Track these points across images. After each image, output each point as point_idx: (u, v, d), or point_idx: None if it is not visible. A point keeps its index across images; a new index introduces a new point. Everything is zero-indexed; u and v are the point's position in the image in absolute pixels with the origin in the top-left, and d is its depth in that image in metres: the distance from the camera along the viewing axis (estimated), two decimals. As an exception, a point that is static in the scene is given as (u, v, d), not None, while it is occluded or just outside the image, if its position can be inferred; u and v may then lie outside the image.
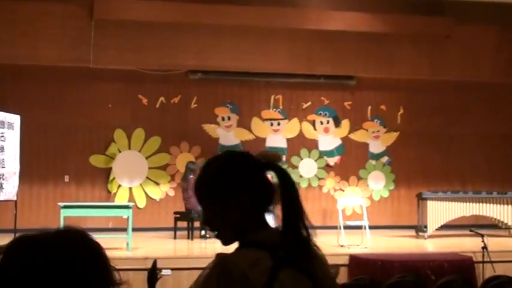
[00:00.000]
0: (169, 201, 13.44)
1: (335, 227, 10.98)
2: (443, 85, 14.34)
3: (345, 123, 14.49)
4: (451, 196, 11.87)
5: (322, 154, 14.36)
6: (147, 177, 13.54)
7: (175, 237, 11.61)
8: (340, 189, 14.31)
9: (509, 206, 11.86)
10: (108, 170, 13.33)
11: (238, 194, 1.96)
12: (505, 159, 14.59)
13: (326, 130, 14.43)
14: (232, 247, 1.97)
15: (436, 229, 11.73)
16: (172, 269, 7.61)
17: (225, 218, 1.97)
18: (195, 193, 2.04)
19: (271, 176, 2.00)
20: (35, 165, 12.75)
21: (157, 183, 13.59)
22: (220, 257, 1.87)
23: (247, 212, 1.96)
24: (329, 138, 14.42)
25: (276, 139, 14.21)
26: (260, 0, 12.61)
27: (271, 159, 1.99)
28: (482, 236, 8.49)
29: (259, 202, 1.97)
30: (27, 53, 11.95)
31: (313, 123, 14.40)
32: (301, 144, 14.29)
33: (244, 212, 1.96)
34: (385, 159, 14.58)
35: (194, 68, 13.34)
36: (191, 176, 11.73)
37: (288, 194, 1.93)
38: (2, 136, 10.20)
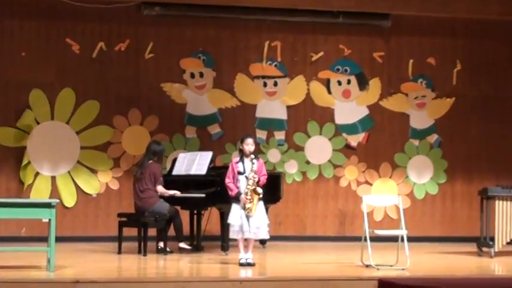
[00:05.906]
0: (111, 198, 13.48)
1: (358, 238, 10.99)
2: (521, 29, 14.41)
3: (375, 84, 14.52)
4: (531, 194, 11.94)
5: (340, 130, 14.39)
6: (79, 162, 13.53)
7: (119, 252, 11.60)
8: (367, 183, 14.36)
9: None
10: (21, 151, 13.31)
11: None
12: None
13: (346, 94, 14.45)
14: None
15: (508, 243, 11.80)
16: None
17: None
18: None
19: None
20: None
21: (93, 171, 13.59)
22: None
23: None
24: (351, 106, 14.45)
25: (272, 106, 14.21)
26: None
27: None
28: None
29: None
30: None
31: (327, 83, 14.41)
32: (308, 114, 14.31)
33: None
34: (433, 138, 14.63)
35: (150, -1, 13.32)
36: (150, 162, 11.68)
37: None
38: None
